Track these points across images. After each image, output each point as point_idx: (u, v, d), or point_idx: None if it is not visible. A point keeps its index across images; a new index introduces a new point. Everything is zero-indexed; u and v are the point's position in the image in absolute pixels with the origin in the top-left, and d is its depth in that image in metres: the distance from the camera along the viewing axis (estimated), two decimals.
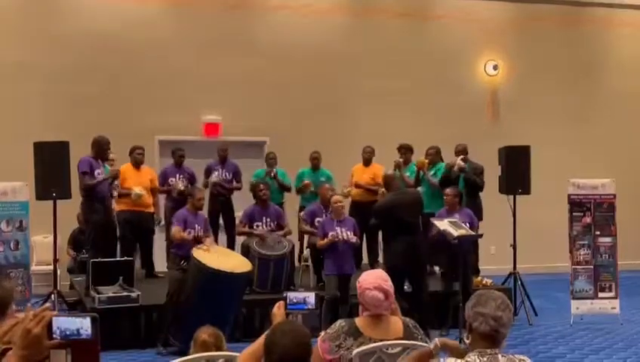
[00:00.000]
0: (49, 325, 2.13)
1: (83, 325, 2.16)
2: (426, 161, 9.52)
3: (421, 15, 12.48)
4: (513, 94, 12.71)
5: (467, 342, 3.02)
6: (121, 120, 10.68)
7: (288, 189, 9.99)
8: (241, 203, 9.66)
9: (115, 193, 8.98)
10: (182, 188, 9.38)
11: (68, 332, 2.14)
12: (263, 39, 11.62)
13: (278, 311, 3.68)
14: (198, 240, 7.58)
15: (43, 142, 8.22)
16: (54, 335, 2.14)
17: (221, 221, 9.83)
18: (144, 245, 9.51)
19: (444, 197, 8.52)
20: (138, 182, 9.17)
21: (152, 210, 9.51)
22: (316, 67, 11.80)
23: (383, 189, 8.64)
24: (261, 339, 3.24)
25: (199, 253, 7.27)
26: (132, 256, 8.91)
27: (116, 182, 8.90)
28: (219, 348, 4.03)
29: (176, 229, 7.67)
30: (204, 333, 4.14)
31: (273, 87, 11.56)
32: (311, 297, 3.86)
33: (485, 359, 2.91)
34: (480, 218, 9.01)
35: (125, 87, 11.02)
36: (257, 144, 11.55)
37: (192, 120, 11.29)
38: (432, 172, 9.51)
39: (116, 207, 9.12)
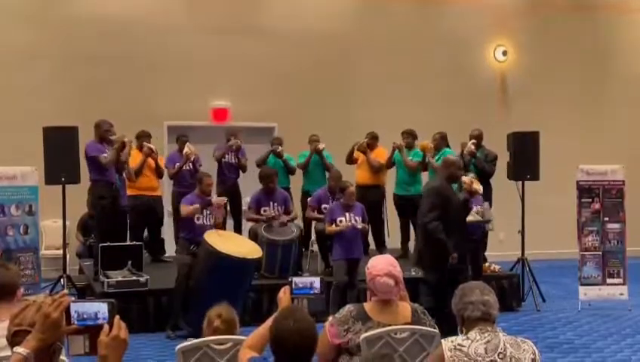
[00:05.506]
0: (67, 310, 2.16)
1: (100, 309, 2.18)
2: (430, 144, 9.44)
3: (430, 0, 12.41)
4: (523, 80, 12.63)
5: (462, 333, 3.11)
6: (131, 105, 10.68)
7: (293, 171, 10.02)
8: (248, 190, 9.67)
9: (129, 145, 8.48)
10: (190, 152, 9.38)
11: (85, 316, 2.17)
12: (272, 24, 11.58)
13: (283, 295, 3.70)
14: (206, 205, 7.58)
15: (52, 127, 8.23)
16: (72, 319, 2.17)
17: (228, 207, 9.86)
18: (152, 229, 9.57)
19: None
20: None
21: (159, 193, 9.58)
22: (325, 52, 11.75)
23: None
24: (266, 324, 3.25)
25: (211, 237, 7.27)
26: (142, 241, 8.93)
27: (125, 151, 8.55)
28: (231, 334, 3.98)
29: (183, 206, 7.68)
30: (217, 318, 4.01)
31: (282, 72, 11.52)
32: (316, 282, 3.86)
33: (486, 335, 2.98)
34: (490, 205, 8.97)
35: (134, 72, 11.00)
36: (266, 129, 11.53)
37: (200, 105, 11.30)
38: (435, 157, 9.48)
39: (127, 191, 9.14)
